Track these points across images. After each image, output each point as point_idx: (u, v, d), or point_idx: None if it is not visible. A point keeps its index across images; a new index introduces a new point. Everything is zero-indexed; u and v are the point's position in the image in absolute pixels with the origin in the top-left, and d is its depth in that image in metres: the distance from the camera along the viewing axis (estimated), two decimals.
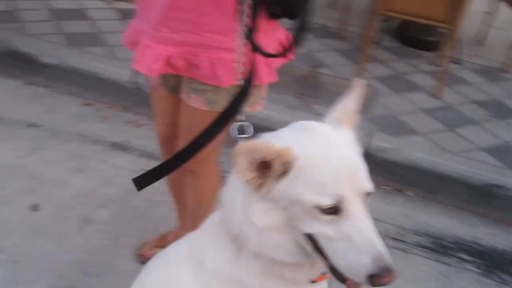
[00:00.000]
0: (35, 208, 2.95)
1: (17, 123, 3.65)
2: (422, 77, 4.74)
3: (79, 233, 2.82)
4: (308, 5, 1.73)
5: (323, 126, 1.26)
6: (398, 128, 3.84)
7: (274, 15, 1.79)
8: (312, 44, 5.04)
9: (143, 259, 2.65)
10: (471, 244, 3.19)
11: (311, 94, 4.10)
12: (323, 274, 1.36)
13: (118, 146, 3.58)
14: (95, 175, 3.27)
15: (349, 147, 1.23)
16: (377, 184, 3.38)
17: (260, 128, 3.82)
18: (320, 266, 1.30)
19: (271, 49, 1.84)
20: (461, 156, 3.59)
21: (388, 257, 1.10)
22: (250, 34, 1.61)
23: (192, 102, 1.94)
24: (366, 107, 4.01)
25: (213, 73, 1.83)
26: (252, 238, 1.23)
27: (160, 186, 1.34)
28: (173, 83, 2.05)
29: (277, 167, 1.14)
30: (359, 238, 1.11)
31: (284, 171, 1.15)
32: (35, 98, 3.96)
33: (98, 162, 3.39)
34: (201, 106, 1.93)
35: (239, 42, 1.65)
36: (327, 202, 1.11)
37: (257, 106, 2.06)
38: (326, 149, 1.18)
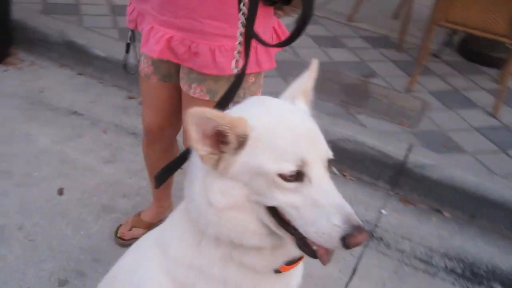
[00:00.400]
0: (60, 192, 3.02)
1: (61, 110, 3.78)
2: (480, 94, 4.46)
3: (97, 221, 2.86)
4: None
5: (277, 99, 1.26)
6: (444, 144, 3.60)
7: (270, 2, 1.73)
8: (367, 53, 4.90)
9: (122, 242, 2.70)
10: (507, 275, 2.91)
11: (356, 103, 3.95)
12: (288, 264, 1.30)
13: None
14: (125, 166, 3.31)
15: (305, 116, 1.21)
16: (412, 201, 3.24)
17: None
18: (283, 253, 1.27)
19: (267, 37, 1.83)
20: (509, 180, 3.30)
21: (357, 218, 1.08)
22: (249, 22, 1.56)
23: (193, 93, 1.92)
24: (412, 120, 3.80)
25: (213, 61, 1.79)
26: (211, 221, 1.20)
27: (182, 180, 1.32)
28: (165, 71, 2.04)
29: (232, 139, 1.11)
30: (326, 201, 1.08)
31: (240, 143, 1.12)
32: (82, 88, 4.09)
33: (130, 154, 3.43)
34: (202, 97, 1.91)
35: (238, 30, 1.60)
36: (289, 168, 1.08)
37: (257, 93, 2.04)
38: (282, 117, 1.16)
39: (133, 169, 3.29)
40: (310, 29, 5.19)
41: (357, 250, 2.86)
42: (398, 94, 4.16)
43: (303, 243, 1.16)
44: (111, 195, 3.04)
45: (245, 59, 1.57)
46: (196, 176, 1.22)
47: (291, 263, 1.32)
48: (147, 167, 2.60)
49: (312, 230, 1.09)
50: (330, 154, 1.16)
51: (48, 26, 4.38)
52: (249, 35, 1.56)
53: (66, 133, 3.55)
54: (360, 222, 1.08)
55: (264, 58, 1.86)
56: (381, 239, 2.97)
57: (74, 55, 4.28)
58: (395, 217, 3.16)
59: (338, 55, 4.77)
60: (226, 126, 1.10)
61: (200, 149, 1.13)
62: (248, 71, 2.06)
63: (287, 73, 4.30)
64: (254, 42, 1.60)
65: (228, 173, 1.15)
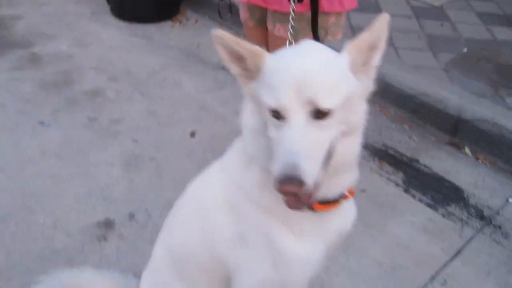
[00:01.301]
0: (192, 134, 3.30)
1: (211, 64, 4.09)
2: None
3: None
4: None
5: (317, 45, 1.28)
6: None
7: None
8: None
9: None
10: None
11: (509, 85, 3.58)
12: (321, 203, 1.36)
13: None
14: None
15: (321, 64, 1.19)
16: None
17: (433, 110, 3.56)
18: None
19: None
20: None
21: (300, 170, 1.07)
22: None
23: (277, 32, 2.06)
24: None
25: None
26: (247, 142, 1.35)
27: None
28: (259, 16, 2.18)
29: (250, 66, 1.24)
30: (285, 143, 1.12)
31: (257, 71, 1.24)
32: None
33: None
34: (285, 35, 1.97)
35: None
36: (272, 104, 1.15)
37: (337, 34, 2.07)
38: (294, 59, 1.20)
39: None
40: (478, 4, 4.80)
41: (467, 232, 2.68)
42: None
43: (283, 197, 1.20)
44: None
45: None
46: (243, 104, 1.36)
47: (325, 203, 1.36)
48: None
49: (272, 167, 1.14)
50: (320, 104, 1.14)
51: None
52: None
53: (210, 85, 3.85)
54: (299, 175, 1.07)
55: None
56: (499, 227, 2.71)
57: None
58: None
59: (504, 34, 4.33)
60: (246, 52, 1.23)
61: (231, 68, 1.28)
62: (328, 8, 2.08)
63: (440, 48, 4.08)
64: None
65: (251, 97, 1.29)
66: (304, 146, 1.11)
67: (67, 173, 2.96)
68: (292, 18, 1.88)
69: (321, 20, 2.11)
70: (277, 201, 1.33)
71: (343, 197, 1.41)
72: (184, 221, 1.71)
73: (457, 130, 3.34)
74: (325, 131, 1.16)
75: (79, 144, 3.19)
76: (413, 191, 2.98)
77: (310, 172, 1.10)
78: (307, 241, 1.43)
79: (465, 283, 2.44)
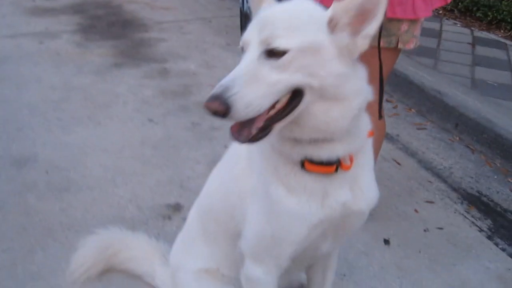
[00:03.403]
0: None
1: None
2: None
3: None
4: None
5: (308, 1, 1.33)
6: None
7: None
8: None
9: None
10: None
11: None
12: (312, 162, 1.37)
13: None
14: None
15: (289, 9, 1.27)
16: None
17: None
18: (300, 148, 1.36)
19: None
20: None
21: (227, 92, 1.14)
22: None
23: None
24: None
25: None
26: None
27: None
28: None
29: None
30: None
31: None
32: None
33: None
34: None
35: None
36: (241, 42, 1.28)
37: (410, 43, 1.97)
38: (273, 6, 1.31)
39: None
40: None
41: None
42: None
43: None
44: None
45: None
46: None
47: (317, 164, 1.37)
48: None
49: None
50: (274, 43, 1.19)
51: None
52: None
53: None
54: (221, 94, 1.14)
55: (421, 6, 1.81)
56: None
57: None
58: None
59: None
60: None
61: None
62: (400, 15, 2.02)
63: None
64: None
65: None
66: (243, 75, 1.18)
67: (157, 161, 3.21)
68: None
69: (393, 26, 2.10)
70: (273, 152, 1.42)
71: (339, 164, 1.38)
72: (212, 176, 1.81)
73: None
74: (279, 73, 1.19)
75: (176, 141, 3.45)
76: (498, 239, 2.70)
77: (242, 99, 1.15)
78: (297, 197, 1.42)
79: None
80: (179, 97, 4.08)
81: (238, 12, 5.23)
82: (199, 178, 3.04)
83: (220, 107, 1.13)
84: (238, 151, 1.63)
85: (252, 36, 1.23)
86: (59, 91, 4.07)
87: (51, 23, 5.57)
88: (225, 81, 1.17)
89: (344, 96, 1.27)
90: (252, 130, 1.20)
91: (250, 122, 1.20)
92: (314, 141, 1.33)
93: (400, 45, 2.14)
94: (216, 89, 1.15)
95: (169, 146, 3.39)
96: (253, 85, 1.17)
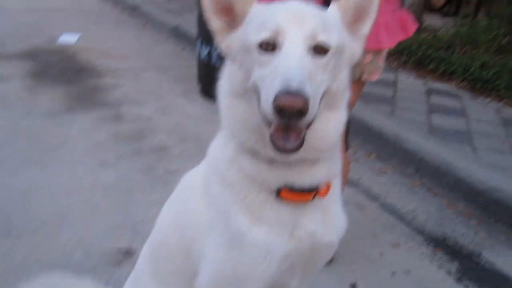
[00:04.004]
0: None
1: None
2: None
3: None
4: None
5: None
6: None
7: None
8: None
9: None
10: None
11: None
12: (291, 190, 1.25)
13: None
14: None
15: (315, 9, 1.16)
16: None
17: (507, 207, 3.28)
18: (279, 174, 1.23)
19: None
20: None
21: (297, 86, 0.97)
22: None
23: None
24: None
25: None
26: (223, 110, 1.28)
27: None
28: None
29: (238, 11, 1.21)
30: (282, 64, 1.04)
31: (242, 18, 1.21)
32: None
33: None
34: None
35: None
36: (265, 34, 1.10)
37: (375, 74, 1.93)
38: (282, 3, 1.17)
39: None
40: None
41: None
42: None
43: (271, 136, 1.08)
44: None
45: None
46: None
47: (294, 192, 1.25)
48: None
49: (264, 97, 1.05)
50: (321, 37, 1.09)
51: None
52: None
53: None
54: (294, 89, 0.97)
55: (384, 36, 1.78)
56: None
57: None
58: None
59: None
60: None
61: (213, 21, 1.23)
62: (365, 46, 2.00)
63: None
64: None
65: (231, 54, 1.23)
66: (305, 71, 1.03)
67: (107, 205, 3.00)
68: None
69: None
70: (242, 179, 1.28)
71: (316, 191, 1.27)
72: (164, 211, 1.65)
73: None
74: (322, 73, 1.09)
75: (128, 185, 3.25)
76: (467, 282, 2.60)
77: (311, 98, 0.99)
78: (266, 227, 1.28)
79: None
80: (133, 141, 3.91)
81: (195, 62, 5.24)
82: (153, 222, 2.83)
83: (305, 104, 0.97)
84: (191, 183, 1.49)
85: (289, 28, 1.09)
86: (4, 133, 3.83)
87: (1, 67, 5.36)
88: (291, 74, 1.00)
89: (342, 105, 1.21)
90: (301, 134, 1.06)
91: (292, 127, 1.05)
92: (299, 163, 1.20)
93: (365, 76, 2.09)
94: (287, 82, 0.98)
95: (121, 190, 3.19)
96: (310, 83, 1.03)
